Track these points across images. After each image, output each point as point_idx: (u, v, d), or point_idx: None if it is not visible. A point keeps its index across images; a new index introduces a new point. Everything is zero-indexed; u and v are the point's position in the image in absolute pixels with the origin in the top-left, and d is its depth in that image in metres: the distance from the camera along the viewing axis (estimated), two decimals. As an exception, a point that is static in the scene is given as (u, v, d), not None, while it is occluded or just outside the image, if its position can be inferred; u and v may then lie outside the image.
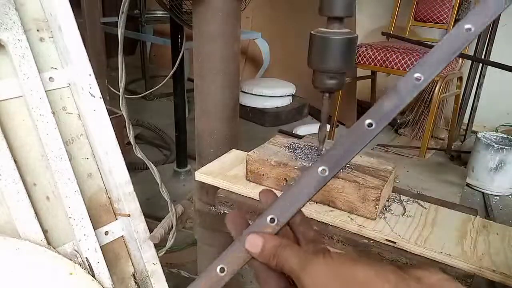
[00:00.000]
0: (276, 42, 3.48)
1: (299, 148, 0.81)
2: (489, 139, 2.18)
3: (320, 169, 0.38)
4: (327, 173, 0.38)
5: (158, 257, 0.92)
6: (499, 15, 0.39)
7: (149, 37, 3.51)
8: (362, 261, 0.34)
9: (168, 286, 0.92)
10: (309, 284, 0.35)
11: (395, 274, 0.33)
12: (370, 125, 0.38)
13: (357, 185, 0.68)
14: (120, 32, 0.80)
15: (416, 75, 0.39)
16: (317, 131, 0.76)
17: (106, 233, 0.86)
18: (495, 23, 2.54)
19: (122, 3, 0.77)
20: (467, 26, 0.38)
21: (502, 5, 0.38)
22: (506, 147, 2.10)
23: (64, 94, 0.84)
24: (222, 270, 0.37)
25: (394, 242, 0.64)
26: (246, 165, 0.78)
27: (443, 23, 2.55)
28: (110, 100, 2.04)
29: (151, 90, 2.52)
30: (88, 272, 0.78)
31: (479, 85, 2.71)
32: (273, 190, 0.44)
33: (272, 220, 0.38)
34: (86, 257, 0.79)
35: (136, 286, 0.89)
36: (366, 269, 0.34)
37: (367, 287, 0.33)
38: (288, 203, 0.39)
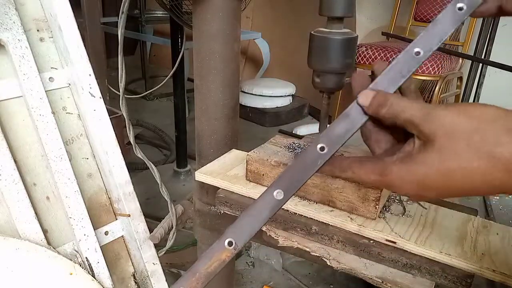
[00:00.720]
0: (276, 42, 3.48)
1: (299, 148, 0.81)
2: (489, 139, 2.18)
3: (275, 192, 0.39)
4: (282, 196, 0.39)
5: (158, 257, 0.92)
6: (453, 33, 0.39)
7: (149, 37, 3.51)
8: (487, 104, 0.34)
9: (168, 286, 0.92)
10: (436, 127, 0.35)
11: None
12: (322, 149, 0.39)
13: (357, 185, 0.68)
14: (120, 32, 0.80)
15: None
16: (317, 131, 0.76)
17: (106, 233, 0.86)
18: (495, 23, 2.53)
19: (122, 3, 0.77)
20: (416, 49, 0.39)
21: (449, 29, 0.39)
22: (506, 147, 2.09)
23: (64, 94, 0.84)
24: None
25: (394, 242, 0.64)
26: (246, 165, 0.78)
27: (443, 23, 2.55)
28: (110, 100, 2.04)
29: (151, 90, 2.53)
30: (88, 272, 0.78)
31: (479, 85, 2.71)
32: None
33: (230, 243, 0.39)
34: (86, 257, 0.79)
35: (136, 286, 0.89)
36: (495, 108, 0.34)
37: (498, 124, 0.33)
38: (245, 227, 0.39)
